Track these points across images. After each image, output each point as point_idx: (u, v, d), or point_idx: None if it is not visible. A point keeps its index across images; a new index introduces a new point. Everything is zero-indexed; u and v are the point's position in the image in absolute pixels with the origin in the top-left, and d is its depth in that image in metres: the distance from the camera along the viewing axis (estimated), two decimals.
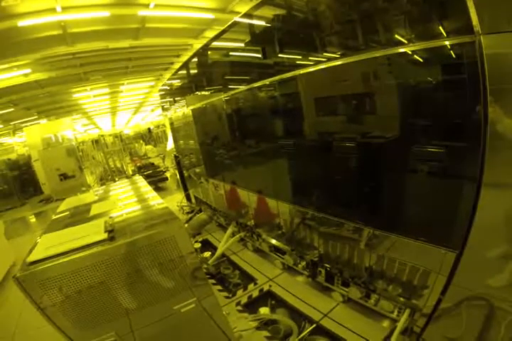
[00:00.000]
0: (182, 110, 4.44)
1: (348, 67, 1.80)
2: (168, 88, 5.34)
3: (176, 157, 5.64)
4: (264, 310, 2.51)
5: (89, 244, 1.31)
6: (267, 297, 2.72)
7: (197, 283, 1.54)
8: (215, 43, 3.28)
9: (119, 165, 9.21)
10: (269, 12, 2.47)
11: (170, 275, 1.44)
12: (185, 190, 5.67)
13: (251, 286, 2.90)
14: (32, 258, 1.28)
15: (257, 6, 2.49)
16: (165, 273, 1.42)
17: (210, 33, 8.20)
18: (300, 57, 2.25)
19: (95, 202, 2.21)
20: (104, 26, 5.24)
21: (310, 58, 2.13)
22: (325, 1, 2.01)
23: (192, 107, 3.99)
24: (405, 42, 1.52)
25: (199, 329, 1.66)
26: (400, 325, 1.80)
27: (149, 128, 17.69)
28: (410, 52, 1.50)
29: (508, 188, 1.29)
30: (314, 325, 2.23)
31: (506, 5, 1.13)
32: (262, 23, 2.57)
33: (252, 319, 2.40)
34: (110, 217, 1.62)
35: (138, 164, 10.89)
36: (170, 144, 8.42)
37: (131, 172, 9.34)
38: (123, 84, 10.17)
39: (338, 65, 1.86)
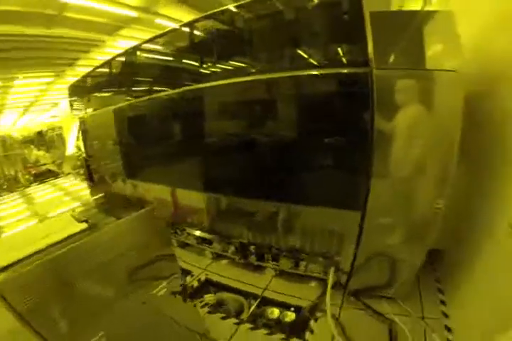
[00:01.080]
0: (101, 110, 4.20)
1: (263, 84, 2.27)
2: (84, 86, 4.93)
3: (85, 160, 5.20)
4: (209, 296, 2.71)
5: (71, 235, 1.32)
6: (207, 285, 2.89)
7: (168, 262, 1.69)
8: (145, 46, 3.34)
9: (13, 172, 7.68)
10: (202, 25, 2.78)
11: (145, 257, 1.55)
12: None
13: (188, 278, 2.99)
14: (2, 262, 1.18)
15: (196, 20, 2.77)
16: (141, 256, 1.53)
17: (126, 32, 7.81)
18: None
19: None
20: (15, 7, 4.42)
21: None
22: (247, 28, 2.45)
23: (114, 107, 3.86)
24: (320, 66, 2.06)
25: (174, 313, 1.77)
26: (329, 282, 2.34)
27: (40, 132, 15.04)
28: (323, 75, 2.05)
29: (390, 168, 1.94)
30: (260, 298, 2.57)
31: (393, 50, 1.77)
32: (199, 34, 2.83)
33: (202, 304, 2.57)
34: (73, 211, 1.60)
35: (33, 172, 9.43)
36: (71, 148, 7.54)
37: (27, 182, 7.93)
38: (18, 78, 8.53)
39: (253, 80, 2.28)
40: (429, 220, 1.99)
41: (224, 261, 3.17)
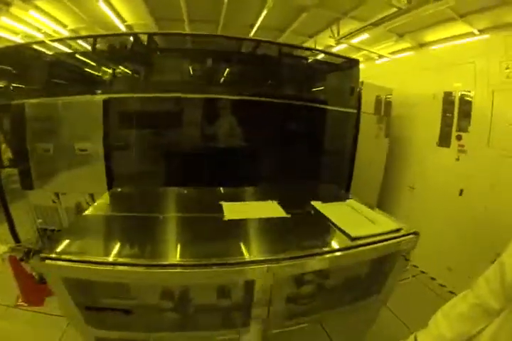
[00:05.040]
0: (71, 98, 3.11)
1: None
2: (33, 58, 3.47)
3: None
4: None
5: None
6: None
7: None
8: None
9: None
10: None
11: None
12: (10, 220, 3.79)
13: None
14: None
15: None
16: None
17: None
18: None
19: None
20: None
21: None
22: None
23: (106, 97, 3.07)
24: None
25: None
26: None
27: None
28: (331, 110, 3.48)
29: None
30: None
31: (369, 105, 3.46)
32: None
33: None
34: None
35: None
36: None
37: None
38: None
39: None
40: (376, 187, 3.85)
41: None
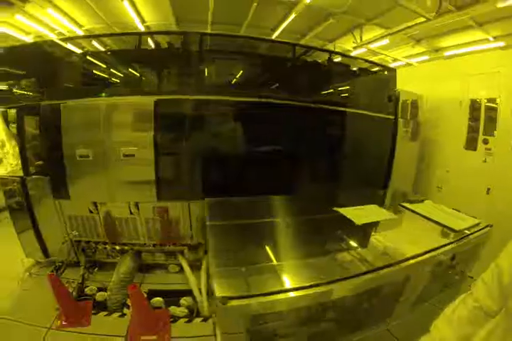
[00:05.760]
0: (112, 99, 2.97)
1: None
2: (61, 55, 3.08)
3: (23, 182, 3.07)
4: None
5: None
6: None
7: None
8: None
9: None
10: None
11: None
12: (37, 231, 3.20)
13: None
14: None
15: None
16: None
17: None
18: None
19: None
20: None
21: None
22: None
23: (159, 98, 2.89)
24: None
25: None
26: None
27: None
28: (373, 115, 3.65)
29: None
30: None
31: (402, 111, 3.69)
32: None
33: None
34: None
35: None
36: None
37: None
38: None
39: None
40: (408, 188, 4.06)
41: None
